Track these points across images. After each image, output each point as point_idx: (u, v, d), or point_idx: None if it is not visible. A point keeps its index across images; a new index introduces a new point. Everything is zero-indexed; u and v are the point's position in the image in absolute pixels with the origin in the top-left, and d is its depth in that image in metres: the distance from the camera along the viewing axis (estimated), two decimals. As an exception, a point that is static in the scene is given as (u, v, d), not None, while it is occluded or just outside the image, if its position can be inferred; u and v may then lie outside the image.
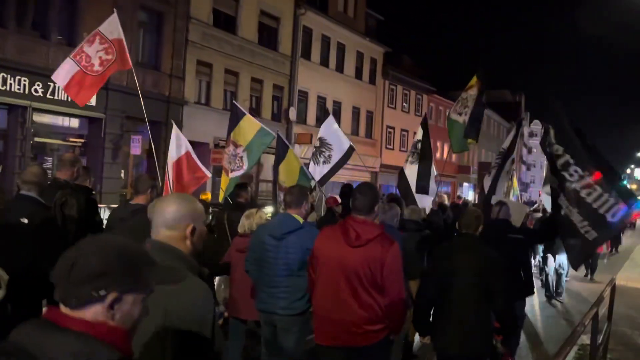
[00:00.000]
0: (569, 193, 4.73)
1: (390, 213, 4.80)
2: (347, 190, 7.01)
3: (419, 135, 9.18)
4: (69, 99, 8.44)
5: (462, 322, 3.56)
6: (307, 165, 8.94)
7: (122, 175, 16.56)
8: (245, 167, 7.41)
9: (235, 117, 7.57)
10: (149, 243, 1.86)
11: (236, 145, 7.42)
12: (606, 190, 4.55)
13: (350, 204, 3.43)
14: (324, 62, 25.76)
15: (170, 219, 1.91)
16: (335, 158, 8.80)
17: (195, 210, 1.96)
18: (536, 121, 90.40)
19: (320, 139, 9.01)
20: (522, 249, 5.44)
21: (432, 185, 8.93)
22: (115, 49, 6.67)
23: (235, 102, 8.27)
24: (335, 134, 9.03)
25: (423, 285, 3.83)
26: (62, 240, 3.66)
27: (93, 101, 12.58)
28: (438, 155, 31.45)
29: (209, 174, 6.94)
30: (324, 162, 8.79)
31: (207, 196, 10.80)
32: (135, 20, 15.93)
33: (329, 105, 26.29)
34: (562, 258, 9.69)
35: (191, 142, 7.61)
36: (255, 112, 21.46)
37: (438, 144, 32.79)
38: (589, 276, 12.61)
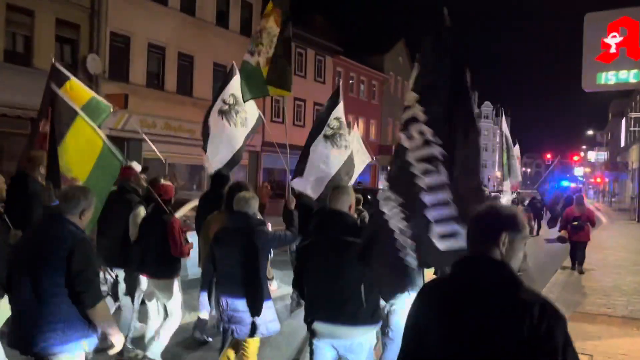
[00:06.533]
0: (396, 176, 3.09)
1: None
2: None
3: (340, 112, 6.88)
4: None
5: None
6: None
7: None
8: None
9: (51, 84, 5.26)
10: None
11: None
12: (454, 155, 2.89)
13: None
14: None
15: None
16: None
17: None
18: (487, 102, 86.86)
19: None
20: None
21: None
22: None
23: (55, 63, 5.50)
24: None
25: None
26: None
27: None
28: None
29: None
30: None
31: None
32: None
33: (172, 58, 19.26)
34: None
35: None
36: (23, 58, 14.61)
37: (350, 118, 26.24)
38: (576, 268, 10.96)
